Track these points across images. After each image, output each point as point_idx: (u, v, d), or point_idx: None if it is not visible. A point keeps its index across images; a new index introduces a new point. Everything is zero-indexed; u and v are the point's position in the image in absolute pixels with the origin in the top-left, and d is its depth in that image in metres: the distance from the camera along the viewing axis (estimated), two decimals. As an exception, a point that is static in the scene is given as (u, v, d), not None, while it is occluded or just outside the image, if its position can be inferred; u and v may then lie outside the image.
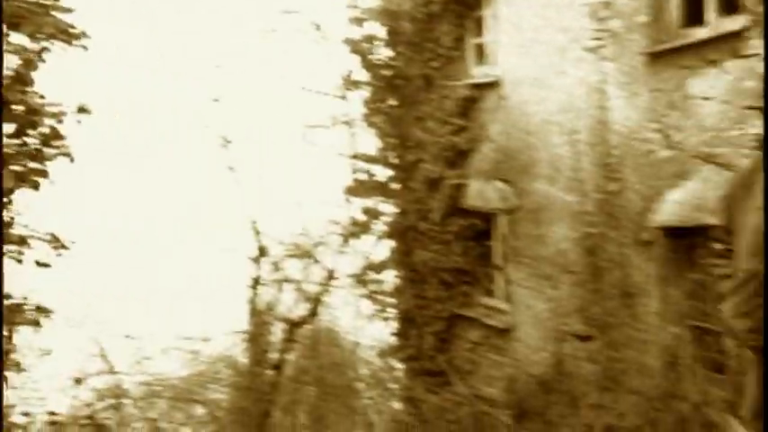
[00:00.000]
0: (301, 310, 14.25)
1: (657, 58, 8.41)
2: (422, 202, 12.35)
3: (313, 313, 13.99)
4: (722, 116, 7.59)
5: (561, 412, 9.57)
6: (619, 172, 9.01)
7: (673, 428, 7.76)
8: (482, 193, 11.47)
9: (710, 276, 6.21)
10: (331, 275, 13.94)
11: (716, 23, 7.90)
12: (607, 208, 9.20)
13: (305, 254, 14.26)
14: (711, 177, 7.63)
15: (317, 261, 14.32)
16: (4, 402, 8.41)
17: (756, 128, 4.76)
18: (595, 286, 9.41)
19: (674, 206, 8.33)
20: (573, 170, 9.64)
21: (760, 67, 6.93)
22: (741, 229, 4.57)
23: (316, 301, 14.00)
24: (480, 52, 11.70)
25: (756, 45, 7.20)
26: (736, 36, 7.45)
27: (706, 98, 7.82)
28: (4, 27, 7.29)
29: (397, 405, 13.42)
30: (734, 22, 7.56)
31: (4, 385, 7.80)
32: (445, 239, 12.07)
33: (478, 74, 11.61)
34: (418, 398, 11.93)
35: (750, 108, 5.49)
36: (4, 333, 7.84)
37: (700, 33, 8.05)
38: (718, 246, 4.79)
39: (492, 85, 11.12)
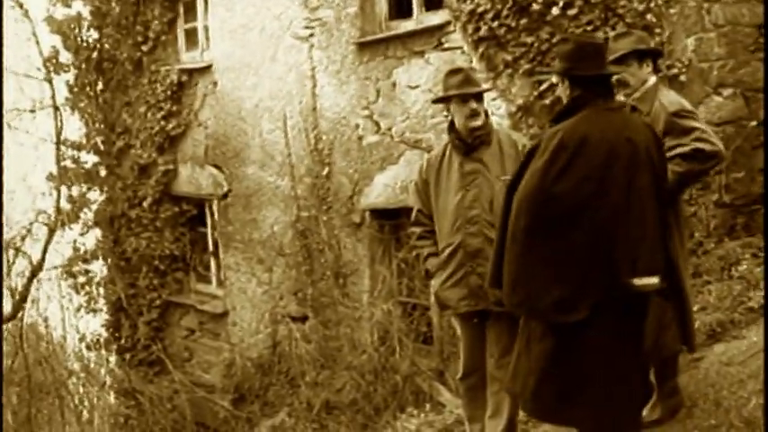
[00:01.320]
0: (5, 305, 13.44)
1: (366, 47, 8.80)
2: (131, 188, 12.06)
3: (18, 309, 13.23)
4: (426, 104, 8.09)
5: (280, 392, 9.76)
6: (329, 157, 9.33)
7: (386, 400, 8.15)
8: (194, 178, 11.41)
9: (415, 255, 6.61)
10: (37, 268, 13.23)
11: (421, 17, 8.41)
12: (318, 192, 9.49)
13: (8, 246, 13.44)
14: (416, 161, 8.10)
15: (21, 253, 13.55)
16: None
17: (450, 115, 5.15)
18: (309, 268, 9.69)
19: (381, 189, 8.77)
20: (284, 155, 9.84)
21: (460, 59, 7.46)
22: (438, 211, 4.93)
23: (21, 295, 13.24)
24: (192, 37, 11.58)
25: (456, 39, 7.76)
26: (438, 30, 8.00)
27: (412, 87, 8.32)
28: None
29: (112, 398, 13.04)
30: (437, 17, 8.10)
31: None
32: (157, 226, 11.87)
33: (190, 59, 11.50)
34: (135, 389, 11.68)
35: (435, 102, 5.92)
36: None
37: (406, 26, 8.53)
38: (417, 229, 5.09)
39: (204, 71, 11.06)
